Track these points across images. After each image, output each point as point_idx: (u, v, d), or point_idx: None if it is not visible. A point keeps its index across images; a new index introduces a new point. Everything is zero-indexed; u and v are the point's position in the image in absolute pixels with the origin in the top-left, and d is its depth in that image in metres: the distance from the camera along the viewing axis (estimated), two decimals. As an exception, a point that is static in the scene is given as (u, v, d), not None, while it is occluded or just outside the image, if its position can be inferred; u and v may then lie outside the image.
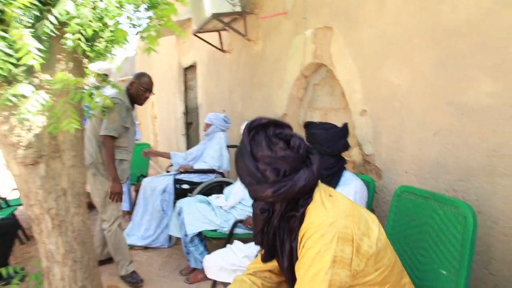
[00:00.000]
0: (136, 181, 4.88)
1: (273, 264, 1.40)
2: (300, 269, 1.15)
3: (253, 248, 2.14)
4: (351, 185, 2.00)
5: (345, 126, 2.13)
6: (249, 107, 4.07)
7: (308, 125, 2.14)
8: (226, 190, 3.06)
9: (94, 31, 1.73)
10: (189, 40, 6.05)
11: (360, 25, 2.34)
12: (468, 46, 1.68)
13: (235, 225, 2.72)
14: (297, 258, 1.20)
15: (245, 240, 2.46)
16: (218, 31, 4.44)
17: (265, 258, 1.36)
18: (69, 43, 1.65)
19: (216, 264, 2.04)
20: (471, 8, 1.65)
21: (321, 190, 1.25)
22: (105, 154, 2.84)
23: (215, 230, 2.82)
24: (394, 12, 2.08)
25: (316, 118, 3.16)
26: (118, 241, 2.98)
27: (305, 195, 1.22)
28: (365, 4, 2.29)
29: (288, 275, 1.28)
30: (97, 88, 2.16)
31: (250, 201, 2.80)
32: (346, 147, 2.12)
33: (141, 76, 3.11)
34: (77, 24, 1.57)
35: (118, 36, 1.74)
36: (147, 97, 3.14)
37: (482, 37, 1.62)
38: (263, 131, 1.24)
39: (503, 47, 1.54)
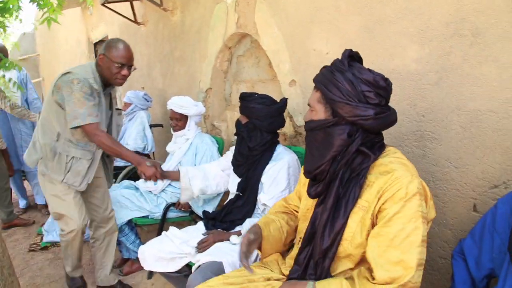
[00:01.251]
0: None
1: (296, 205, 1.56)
2: (394, 224, 1.12)
3: (190, 233, 2.03)
4: (284, 160, 1.95)
5: (285, 102, 2.05)
6: (172, 83, 3.84)
7: (246, 97, 2.01)
8: (154, 173, 2.87)
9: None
10: (97, 12, 5.52)
11: (284, -8, 2.25)
12: (393, 11, 1.68)
13: (167, 209, 2.57)
14: (345, 199, 1.22)
15: (179, 224, 2.34)
16: (130, 1, 4.08)
17: (320, 192, 1.30)
18: None
19: (152, 254, 1.90)
20: (395, -27, 1.64)
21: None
22: (104, 147, 2.07)
23: (146, 217, 2.64)
24: (318, -22, 2.02)
25: (243, 91, 3.06)
26: (68, 254, 2.37)
27: (380, 138, 1.27)
28: (288, -31, 2.20)
29: (327, 214, 1.25)
30: None
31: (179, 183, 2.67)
32: (283, 123, 2.06)
33: (112, 45, 2.14)
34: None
35: (10, 1, 1.45)
36: (125, 75, 2.17)
37: (406, 2, 1.62)
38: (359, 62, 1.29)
39: (427, 12, 1.55)
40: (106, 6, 4.09)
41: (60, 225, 2.31)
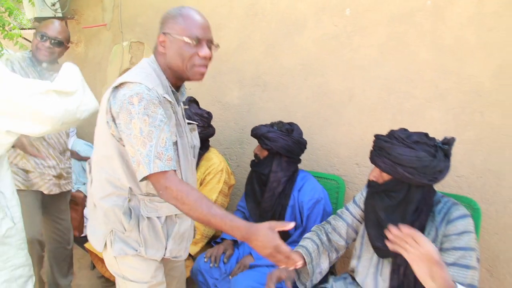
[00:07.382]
0: None
1: None
2: (210, 185, 2.22)
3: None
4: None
5: None
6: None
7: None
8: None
9: None
10: (-3, 32, 5.89)
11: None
12: (226, 68, 2.81)
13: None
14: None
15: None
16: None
17: None
18: None
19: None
20: (225, 43, 2.78)
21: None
22: (182, 208, 1.26)
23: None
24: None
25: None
26: None
27: (207, 144, 2.36)
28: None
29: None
30: None
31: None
32: None
33: (176, 14, 1.36)
34: None
35: None
36: (206, 57, 1.37)
37: (233, 63, 2.76)
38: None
39: (243, 69, 2.71)
40: (25, 38, 4.66)
41: None
